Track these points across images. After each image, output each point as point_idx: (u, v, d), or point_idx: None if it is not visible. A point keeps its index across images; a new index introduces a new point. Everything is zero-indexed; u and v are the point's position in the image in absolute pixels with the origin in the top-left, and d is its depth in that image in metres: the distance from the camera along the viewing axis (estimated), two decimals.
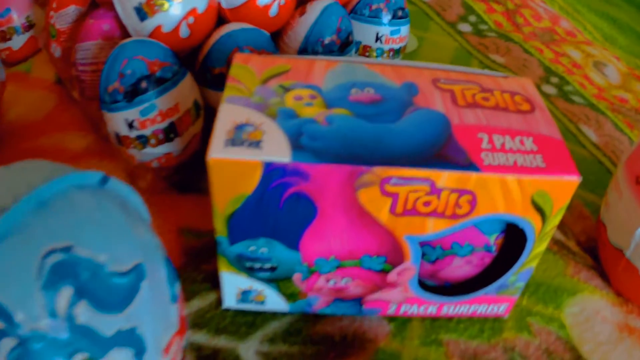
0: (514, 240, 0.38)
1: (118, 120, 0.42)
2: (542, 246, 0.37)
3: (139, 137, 0.43)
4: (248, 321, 0.40)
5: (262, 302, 0.40)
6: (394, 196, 0.33)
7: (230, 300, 0.40)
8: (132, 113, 0.42)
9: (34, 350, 0.26)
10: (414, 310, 0.40)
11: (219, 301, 0.41)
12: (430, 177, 0.33)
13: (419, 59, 0.70)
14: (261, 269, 0.37)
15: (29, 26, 0.58)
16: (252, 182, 0.33)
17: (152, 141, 0.43)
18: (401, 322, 0.41)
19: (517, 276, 0.39)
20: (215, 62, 0.45)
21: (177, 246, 0.44)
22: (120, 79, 0.41)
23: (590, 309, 0.44)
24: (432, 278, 0.40)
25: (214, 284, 0.42)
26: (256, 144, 0.32)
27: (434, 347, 0.40)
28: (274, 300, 0.39)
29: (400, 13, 0.55)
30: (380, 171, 0.32)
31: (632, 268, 0.42)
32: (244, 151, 0.32)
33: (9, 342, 0.26)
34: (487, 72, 0.40)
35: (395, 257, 0.36)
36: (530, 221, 0.35)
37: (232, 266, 0.37)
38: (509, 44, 0.77)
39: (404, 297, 0.39)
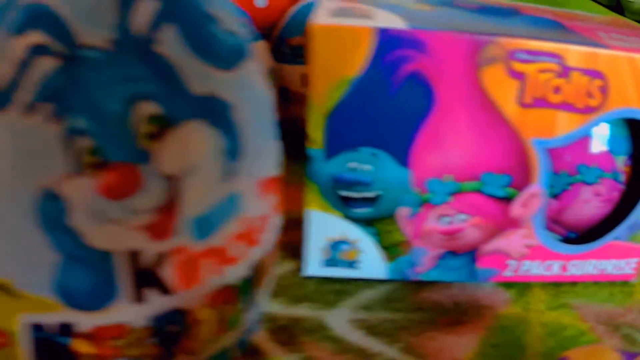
0: None
1: None
2: None
3: None
4: (336, 289, 0.32)
5: (354, 263, 0.31)
6: (522, 78, 0.29)
7: (313, 262, 0.31)
8: None
9: (80, 76, 0.19)
10: (534, 269, 0.33)
11: (298, 271, 0.33)
12: (559, 53, 0.29)
13: None
14: (361, 201, 0.30)
15: None
16: (360, 58, 0.28)
17: None
18: (520, 289, 0.33)
19: None
20: (293, 32, 0.41)
21: None
22: None
23: None
24: (556, 224, 0.33)
25: (294, 253, 0.34)
26: (366, 17, 0.28)
27: (565, 311, 0.32)
28: (369, 259, 0.31)
29: None
30: (506, 42, 0.28)
31: None
32: (352, 19, 0.28)
33: (50, 63, 0.19)
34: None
35: (521, 176, 0.31)
36: None
37: (323, 199, 0.30)
38: None
39: (525, 248, 0.32)
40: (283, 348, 0.29)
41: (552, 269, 0.33)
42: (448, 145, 0.30)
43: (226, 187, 0.21)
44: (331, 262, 0.32)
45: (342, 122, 0.29)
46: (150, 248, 0.20)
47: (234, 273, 0.22)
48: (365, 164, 0.29)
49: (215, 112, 0.20)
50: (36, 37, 0.19)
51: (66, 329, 0.21)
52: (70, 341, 0.21)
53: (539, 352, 0.31)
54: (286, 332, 0.30)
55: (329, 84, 0.28)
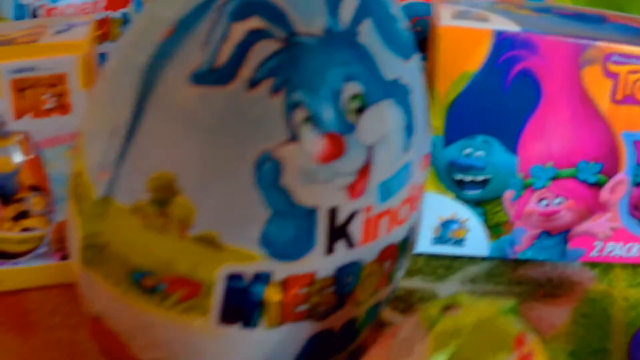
0: None
1: None
2: None
3: None
4: (444, 264, 0.36)
5: (461, 241, 0.35)
6: (615, 77, 0.33)
7: (424, 239, 0.35)
8: None
9: (299, 57, 0.22)
10: (617, 251, 0.37)
11: None
12: None
13: None
14: (472, 183, 0.34)
15: None
16: (479, 56, 0.32)
17: None
18: (604, 268, 0.37)
19: None
20: None
21: None
22: None
23: None
24: (637, 210, 0.37)
25: None
26: (484, 20, 0.32)
27: None
28: (474, 238, 0.35)
29: None
30: (604, 47, 0.32)
31: None
32: (473, 22, 0.32)
33: (270, 45, 0.22)
34: None
35: (610, 165, 0.35)
36: None
37: (439, 181, 0.34)
38: None
39: (610, 230, 0.36)
40: (402, 315, 0.33)
41: (632, 250, 0.37)
42: (551, 136, 0.34)
43: (404, 158, 0.25)
44: (440, 240, 0.35)
45: (461, 112, 0.33)
46: (346, 206, 0.23)
47: (399, 233, 0.26)
48: (479, 150, 0.33)
49: (400, 94, 0.24)
50: (255, 22, 0.22)
51: (262, 278, 0.24)
52: (264, 289, 0.24)
53: (622, 321, 0.34)
54: (403, 301, 0.34)
55: (452, 79, 0.32)
